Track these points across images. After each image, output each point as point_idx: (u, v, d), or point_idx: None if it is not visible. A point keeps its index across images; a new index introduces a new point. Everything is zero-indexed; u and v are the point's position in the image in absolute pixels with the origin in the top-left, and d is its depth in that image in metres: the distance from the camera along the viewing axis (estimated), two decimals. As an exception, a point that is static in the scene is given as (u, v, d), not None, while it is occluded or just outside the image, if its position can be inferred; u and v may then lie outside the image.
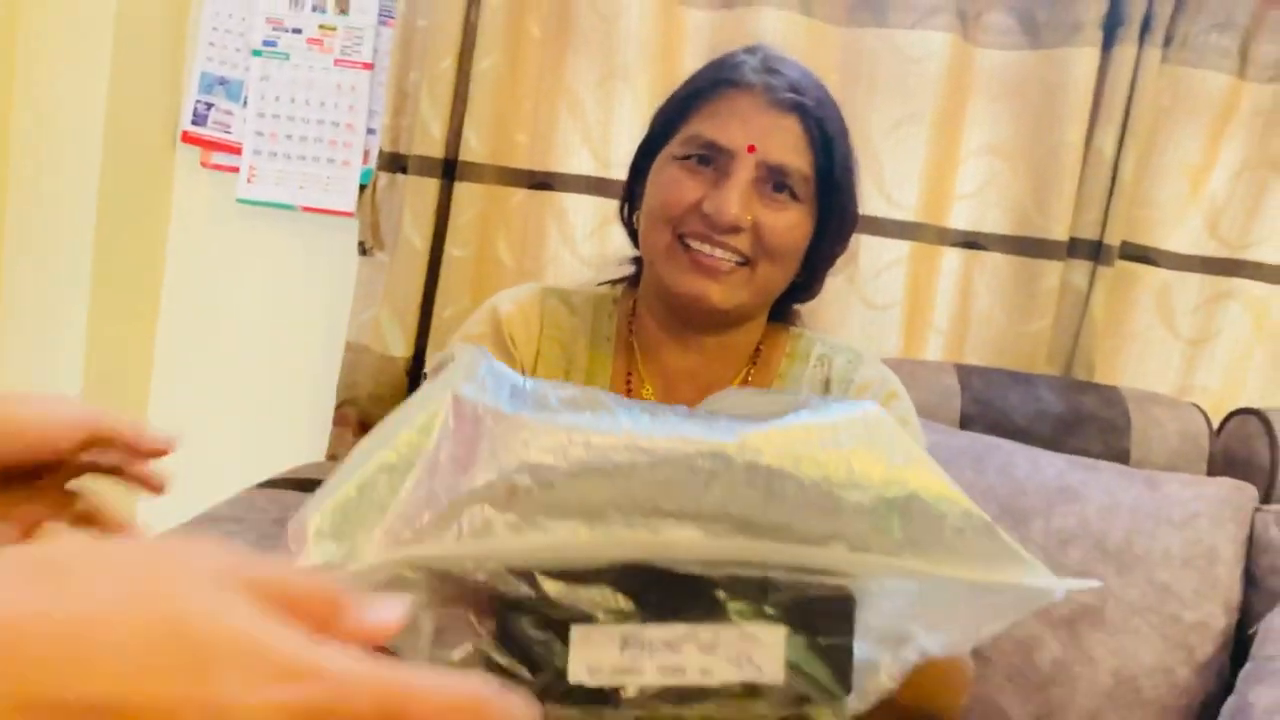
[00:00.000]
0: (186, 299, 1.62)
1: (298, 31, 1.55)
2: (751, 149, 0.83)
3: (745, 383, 0.94)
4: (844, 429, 0.44)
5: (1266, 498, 1.33)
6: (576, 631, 0.39)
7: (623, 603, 0.39)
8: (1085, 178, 1.49)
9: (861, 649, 0.42)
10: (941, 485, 0.46)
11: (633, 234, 0.97)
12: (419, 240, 1.50)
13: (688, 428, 0.43)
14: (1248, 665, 1.15)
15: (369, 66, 1.56)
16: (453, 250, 1.51)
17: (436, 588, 0.39)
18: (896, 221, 1.54)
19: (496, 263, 1.56)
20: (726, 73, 0.87)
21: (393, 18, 1.54)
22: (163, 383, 1.64)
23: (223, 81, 1.58)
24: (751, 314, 0.93)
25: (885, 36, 1.52)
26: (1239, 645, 1.21)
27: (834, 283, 1.54)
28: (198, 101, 1.58)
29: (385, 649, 0.36)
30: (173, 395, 1.64)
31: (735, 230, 0.83)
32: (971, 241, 1.57)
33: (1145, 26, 1.45)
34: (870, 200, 1.54)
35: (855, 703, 0.42)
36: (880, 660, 0.43)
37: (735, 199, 0.82)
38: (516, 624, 0.40)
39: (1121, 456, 1.37)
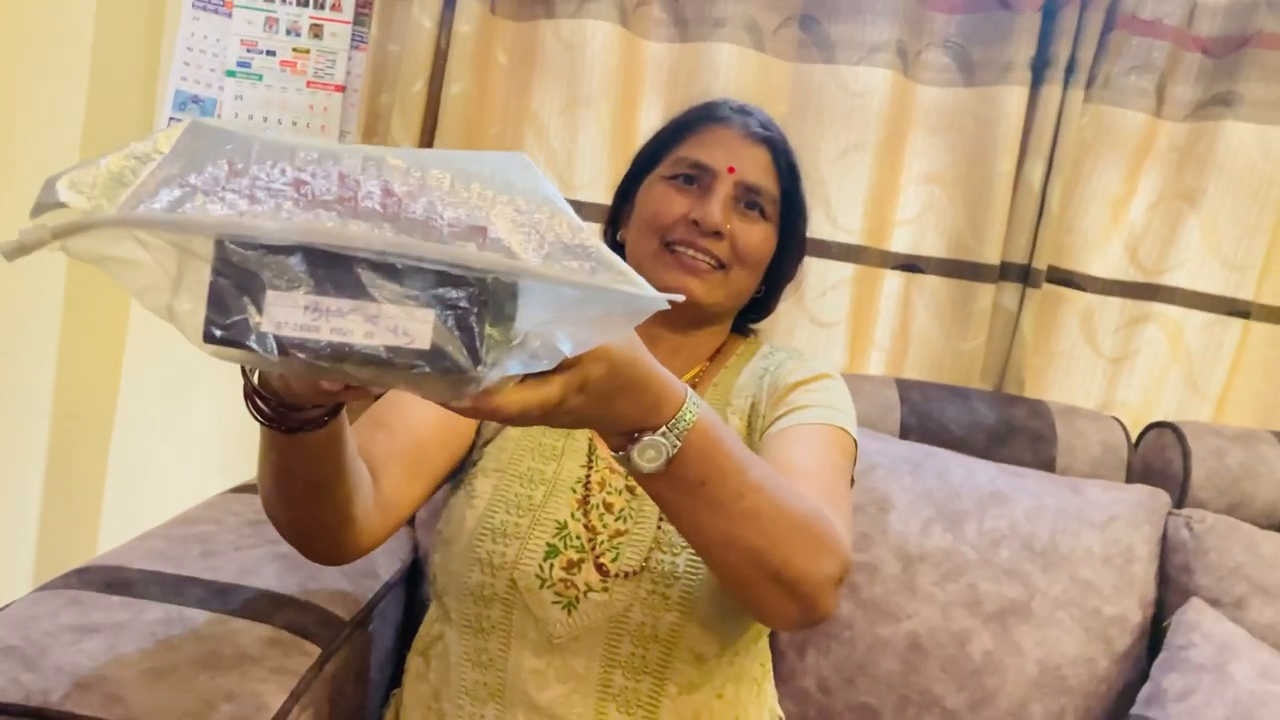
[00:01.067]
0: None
1: (271, 53, 1.61)
2: (731, 169, 0.99)
3: (699, 375, 1.03)
4: (483, 169, 0.54)
5: (1180, 503, 1.45)
6: (270, 294, 0.49)
7: (304, 277, 0.49)
8: (1015, 206, 1.60)
9: (507, 335, 0.52)
10: (564, 211, 0.54)
11: (612, 250, 1.07)
12: (388, 256, 1.55)
13: (357, 148, 0.53)
14: (1161, 655, 1.25)
15: (340, 89, 1.62)
16: (421, 266, 1.56)
17: (162, 245, 0.49)
18: (842, 244, 1.64)
19: (462, 279, 1.63)
20: (709, 111, 1.05)
21: (364, 42, 1.60)
22: (132, 394, 1.66)
23: (196, 100, 1.63)
24: (721, 316, 1.05)
25: (832, 72, 1.62)
26: (1154, 637, 1.31)
27: (783, 302, 1.64)
28: (171, 119, 1.62)
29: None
30: (142, 406, 1.67)
31: (718, 235, 0.97)
32: (911, 264, 1.67)
33: (1070, 68, 1.57)
34: (819, 224, 1.64)
35: (484, 379, 0.51)
36: (507, 356, 0.52)
37: (718, 208, 0.97)
38: (218, 287, 0.49)
39: (1048, 465, 1.47)
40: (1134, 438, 1.56)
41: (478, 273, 0.50)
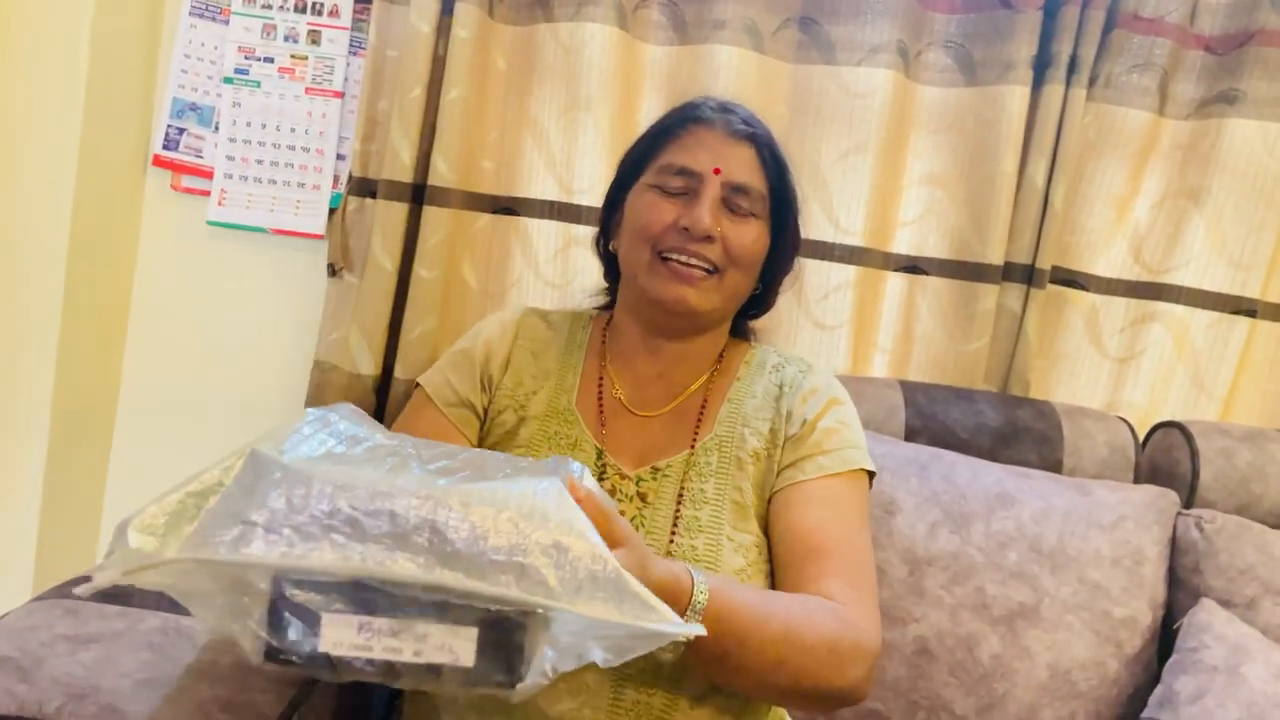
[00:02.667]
0: (157, 319, 1.65)
1: (269, 60, 1.60)
2: (717, 171, 0.98)
3: (708, 385, 1.02)
4: (523, 502, 0.61)
5: (1188, 503, 1.43)
6: (326, 617, 0.56)
7: (356, 603, 0.56)
8: (1018, 206, 1.59)
9: (544, 651, 0.58)
10: (586, 545, 0.60)
11: (605, 260, 1.08)
12: (388, 262, 1.55)
13: (410, 482, 0.60)
14: (1173, 657, 1.24)
15: (339, 95, 1.61)
16: (421, 271, 1.55)
17: (223, 577, 0.55)
18: (844, 246, 1.63)
19: (462, 284, 1.62)
20: (689, 112, 1.03)
21: (363, 48, 1.60)
22: (132, 403, 1.66)
23: (194, 107, 1.62)
24: (719, 320, 1.04)
25: (832, 73, 1.62)
26: (1164, 640, 1.30)
27: (785, 304, 1.63)
28: (169, 126, 1.61)
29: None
30: (143, 415, 1.66)
31: (709, 240, 0.96)
32: (914, 266, 1.66)
33: (1072, 67, 1.56)
34: (820, 226, 1.63)
35: (522, 689, 0.58)
36: (559, 664, 0.59)
37: (707, 212, 0.96)
38: (278, 613, 0.56)
39: (1055, 466, 1.46)
40: (1141, 438, 1.54)
41: (517, 605, 0.57)
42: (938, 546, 1.29)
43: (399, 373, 1.56)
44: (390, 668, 0.56)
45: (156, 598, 0.99)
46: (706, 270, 0.98)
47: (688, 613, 0.71)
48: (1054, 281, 1.65)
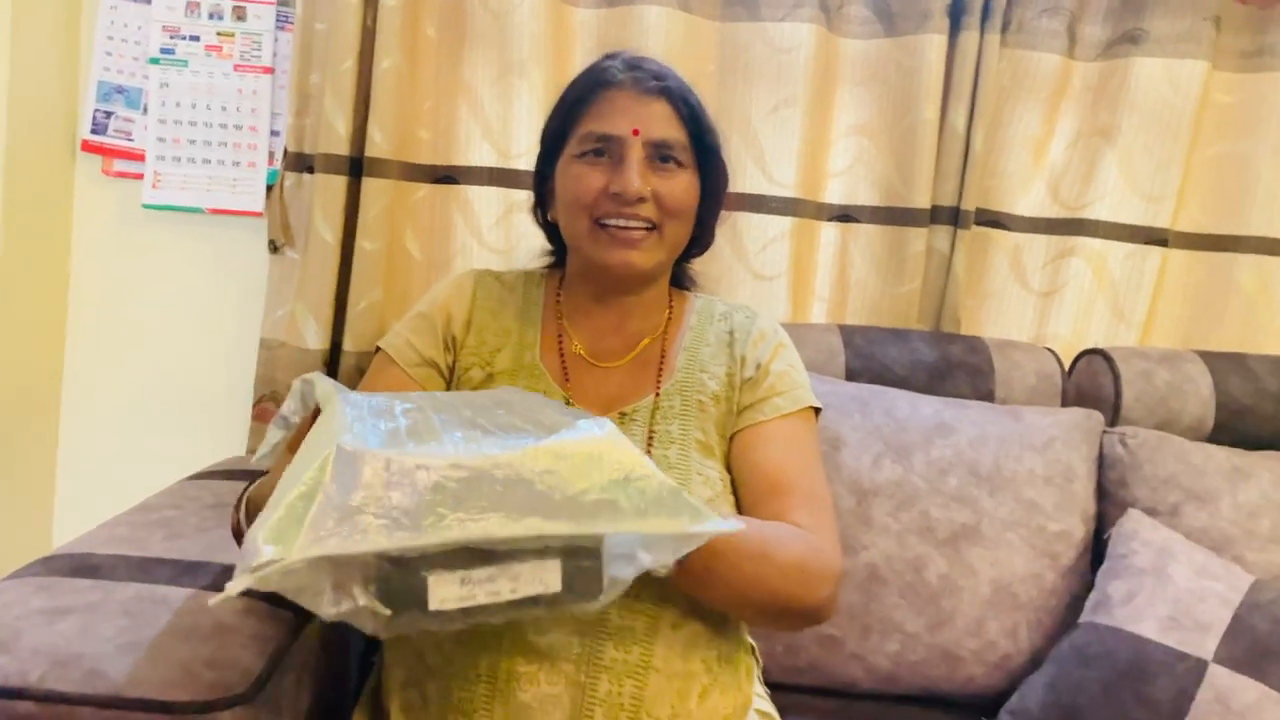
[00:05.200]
0: (96, 305, 1.63)
1: (195, 39, 1.59)
2: (636, 132, 1.00)
3: (664, 334, 1.06)
4: (588, 446, 0.69)
5: (1113, 423, 1.51)
6: (431, 576, 0.62)
7: (457, 562, 0.63)
8: (942, 151, 1.65)
9: (609, 566, 0.67)
10: (651, 474, 0.69)
11: (546, 229, 1.15)
12: (330, 235, 1.55)
13: (488, 446, 0.66)
14: (1105, 564, 1.32)
15: (269, 70, 1.60)
16: (363, 244, 1.56)
17: (333, 566, 0.61)
18: (779, 198, 1.68)
19: (406, 255, 1.63)
20: (598, 77, 1.04)
21: (290, 23, 1.59)
22: (77, 390, 1.64)
23: (121, 90, 1.60)
24: (659, 277, 1.08)
25: (757, 29, 1.65)
26: (1097, 550, 1.38)
27: (725, 257, 1.68)
28: (96, 110, 1.59)
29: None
30: (88, 401, 1.65)
31: (640, 200, 0.99)
32: (846, 214, 1.71)
33: (985, 14, 1.62)
34: (755, 180, 1.67)
35: (604, 599, 0.67)
36: (621, 574, 0.67)
37: (634, 175, 0.99)
38: (389, 583, 0.62)
39: (987, 397, 1.53)
40: (1067, 366, 1.62)
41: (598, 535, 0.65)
42: (882, 477, 1.35)
43: (348, 345, 1.57)
44: (491, 607, 0.63)
45: (127, 569, 1.00)
46: (646, 228, 1.01)
47: None
48: (978, 223, 1.72)
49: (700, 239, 1.12)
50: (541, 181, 1.11)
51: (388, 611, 0.62)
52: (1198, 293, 1.75)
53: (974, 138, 1.64)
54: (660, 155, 1.01)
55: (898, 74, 1.67)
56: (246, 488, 0.88)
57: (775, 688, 1.28)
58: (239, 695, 0.84)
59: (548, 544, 0.64)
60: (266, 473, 0.87)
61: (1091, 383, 1.57)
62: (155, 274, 1.64)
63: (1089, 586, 1.33)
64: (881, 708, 1.34)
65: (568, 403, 1.02)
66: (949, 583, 1.32)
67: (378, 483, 0.61)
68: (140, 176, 1.60)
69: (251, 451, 1.61)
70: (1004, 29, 1.65)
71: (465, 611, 0.63)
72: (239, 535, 0.86)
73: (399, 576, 0.61)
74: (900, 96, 1.67)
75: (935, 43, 1.62)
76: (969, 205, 1.66)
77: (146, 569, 1.00)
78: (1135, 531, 1.31)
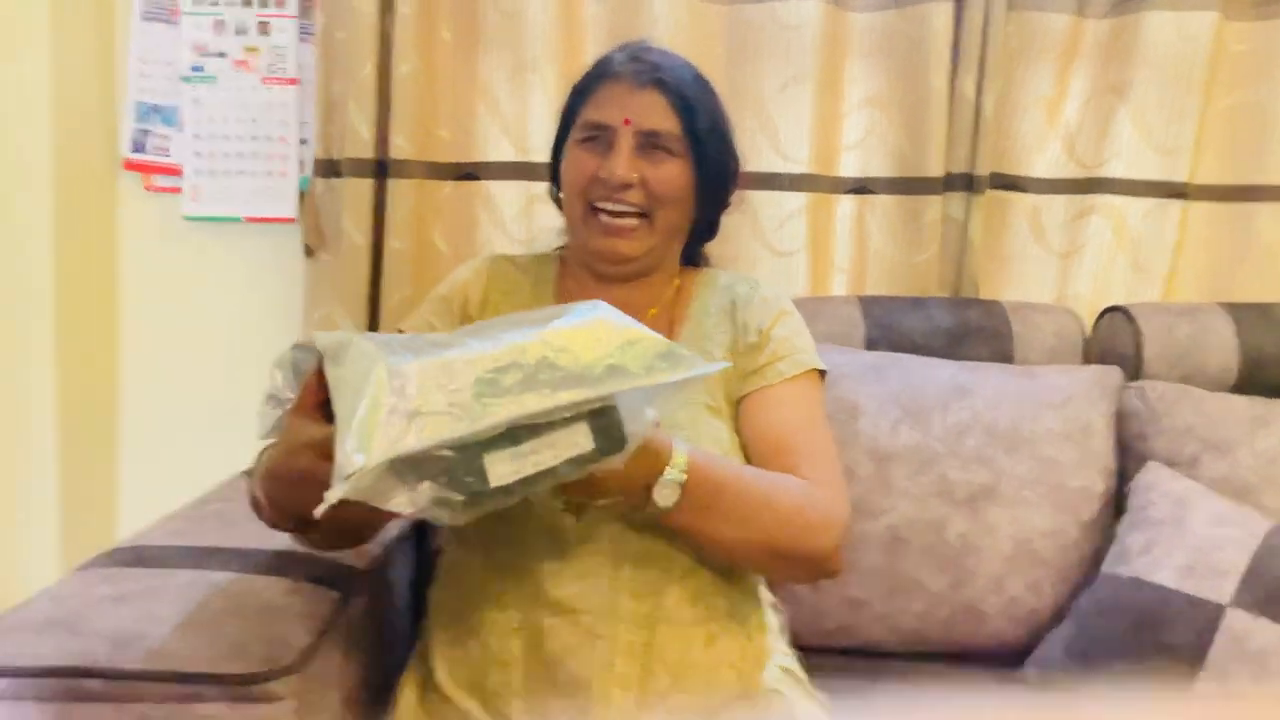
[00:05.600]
0: (145, 313, 1.73)
1: (223, 55, 1.67)
2: (627, 122, 1.05)
3: (672, 309, 1.13)
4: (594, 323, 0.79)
5: (1135, 379, 1.52)
6: (487, 457, 0.72)
7: (506, 440, 0.72)
8: (953, 118, 1.67)
9: (627, 423, 0.77)
10: (645, 336, 0.78)
11: (561, 206, 1.17)
12: (360, 237, 1.62)
13: (511, 336, 0.76)
14: (1124, 516, 1.34)
15: (295, 81, 1.67)
16: (392, 243, 1.63)
17: (407, 466, 0.70)
18: (792, 175, 1.71)
19: (434, 251, 1.69)
20: (601, 69, 1.10)
21: (312, 34, 1.66)
22: (133, 395, 1.74)
23: (157, 108, 1.68)
24: (660, 261, 1.12)
25: (764, 9, 1.68)
26: (1119, 504, 1.40)
27: (743, 235, 1.72)
28: (135, 129, 1.68)
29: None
30: (143, 405, 1.74)
31: (627, 186, 1.04)
32: (861, 186, 1.74)
33: (990, -22, 1.63)
34: (768, 158, 1.71)
35: (628, 449, 0.78)
36: (637, 427, 0.77)
37: (621, 162, 1.04)
38: (455, 471, 0.71)
39: (1006, 359, 1.55)
40: (1090, 325, 1.64)
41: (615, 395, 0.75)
42: (900, 442, 1.38)
43: (383, 341, 1.64)
44: (541, 475, 0.74)
45: (182, 558, 1.08)
46: (637, 216, 1.06)
47: (673, 463, 0.87)
48: (994, 187, 1.73)
49: (706, 226, 1.16)
50: (555, 166, 1.17)
51: (460, 497, 0.71)
52: (1220, 245, 1.75)
53: (984, 103, 1.66)
54: (651, 144, 1.05)
55: (906, 44, 1.68)
56: (256, 462, 0.93)
57: (805, 650, 1.33)
58: (287, 667, 0.91)
59: (575, 411, 0.73)
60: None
61: (1113, 340, 1.58)
62: (199, 281, 1.72)
63: (1113, 540, 1.35)
64: (910, 666, 1.37)
65: None
66: (969, 542, 1.35)
67: (428, 386, 0.70)
68: (180, 190, 1.68)
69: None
70: (1010, -8, 1.66)
71: (522, 482, 0.73)
72: (258, 508, 0.91)
73: (461, 465, 0.71)
74: (909, 66, 1.68)
75: (941, 10, 1.64)
76: (982, 171, 1.67)
77: (200, 557, 1.08)
78: (1154, 483, 1.33)
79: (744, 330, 1.10)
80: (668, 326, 1.11)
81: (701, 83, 1.11)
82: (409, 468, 0.69)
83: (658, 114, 1.06)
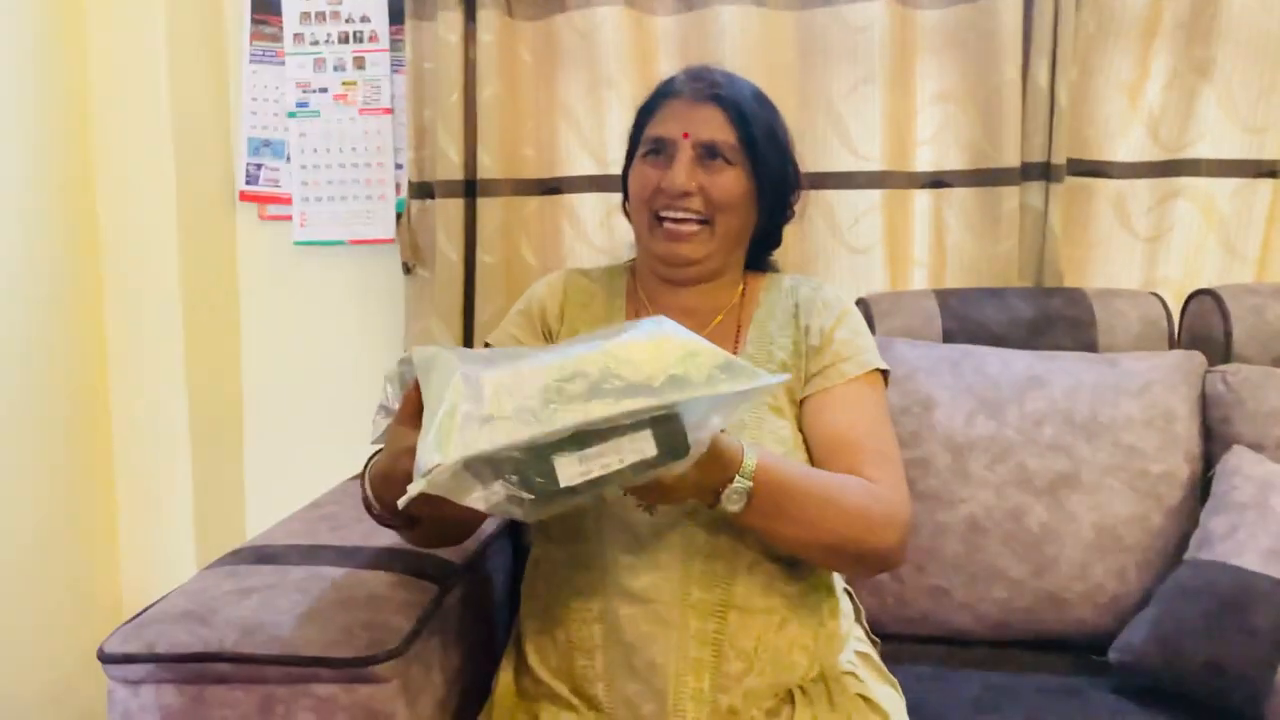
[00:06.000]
0: (262, 332, 1.88)
1: (324, 90, 1.79)
2: (686, 135, 1.12)
3: (739, 312, 1.20)
4: (656, 337, 0.84)
5: (1227, 362, 1.50)
6: (555, 459, 0.78)
7: (573, 444, 0.78)
8: (1026, 108, 1.67)
9: (690, 431, 0.81)
10: (705, 348, 0.83)
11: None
12: (454, 253, 1.73)
13: (579, 349, 0.81)
14: (1209, 501, 1.33)
15: (389, 111, 1.79)
16: (484, 258, 1.73)
17: (482, 464, 0.76)
18: (866, 173, 1.73)
19: (523, 264, 1.79)
20: (664, 89, 1.19)
21: (403, 66, 1.77)
22: (254, 405, 1.89)
23: (267, 143, 1.82)
24: (723, 266, 1.19)
25: (832, 13, 1.72)
26: (1206, 490, 1.38)
27: (819, 234, 1.75)
28: (249, 164, 1.82)
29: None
30: (265, 413, 1.89)
31: (687, 195, 1.12)
32: (937, 180, 1.75)
33: (1061, -35, 1.63)
34: (840, 156, 1.74)
35: (691, 456, 0.82)
36: (700, 435, 0.82)
37: (681, 172, 1.11)
38: (525, 471, 0.77)
39: (1090, 347, 1.55)
40: (1179, 310, 1.61)
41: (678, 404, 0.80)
42: (976, 432, 1.40)
43: (479, 350, 1.74)
44: (606, 478, 0.79)
45: (299, 555, 1.19)
46: (698, 222, 1.12)
47: (742, 470, 0.91)
48: (1076, 174, 1.72)
49: (769, 233, 1.22)
50: (625, 181, 1.24)
51: (530, 496, 0.77)
52: (1316, 222, 1.70)
53: (1059, 91, 1.65)
54: (709, 154, 1.12)
55: (976, 37, 1.69)
56: (366, 465, 1.02)
57: (890, 638, 1.37)
58: (392, 650, 1.00)
59: (639, 418, 0.78)
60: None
61: (1202, 324, 1.56)
62: (309, 301, 1.86)
63: (1197, 525, 1.34)
64: (996, 652, 1.39)
65: None
66: (1050, 529, 1.36)
67: (500, 394, 0.77)
68: (290, 218, 1.82)
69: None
70: (1082, -22, 1.65)
71: (590, 484, 0.78)
72: (369, 506, 1.01)
73: (532, 465, 0.77)
74: (981, 59, 1.69)
75: (1011, 3, 1.65)
76: (1059, 159, 1.67)
77: (314, 554, 1.18)
78: (1238, 467, 1.31)
79: (807, 333, 1.15)
80: (733, 330, 1.17)
81: (760, 98, 1.17)
82: (483, 467, 0.76)
83: (715, 126, 1.12)
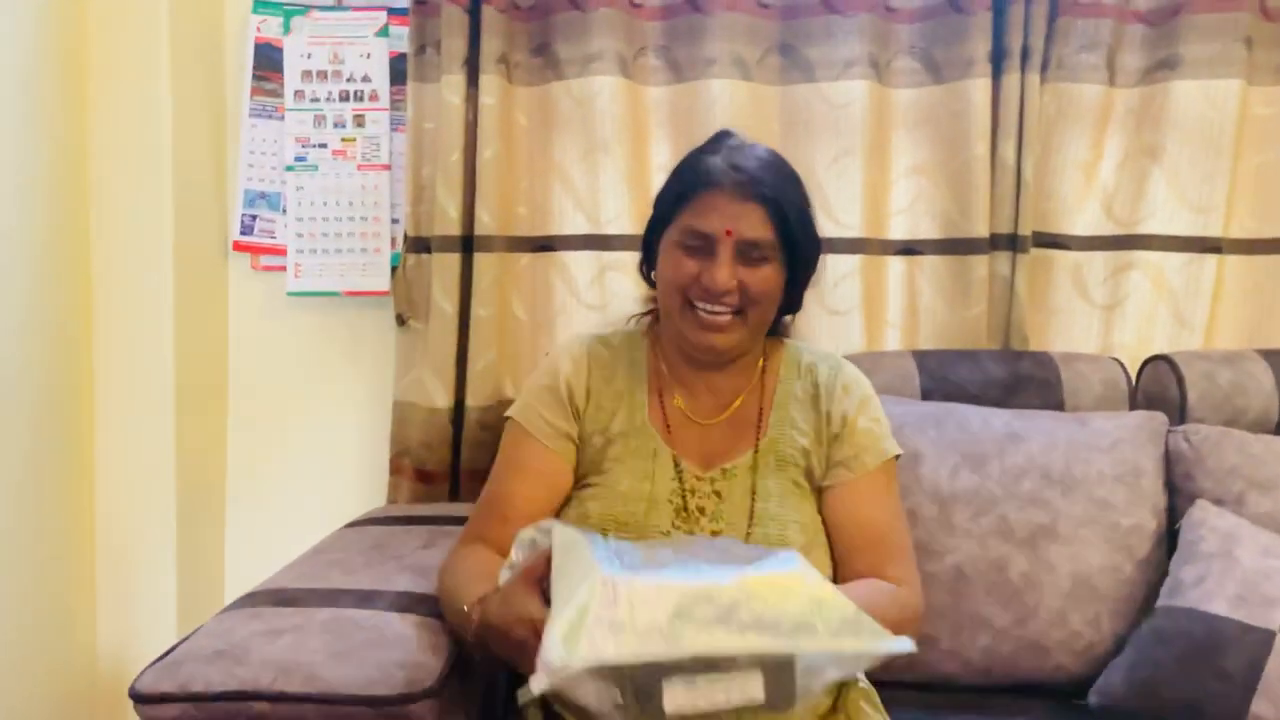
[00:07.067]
0: (252, 381, 1.88)
1: (323, 146, 1.83)
2: (729, 233, 1.13)
3: (760, 392, 1.25)
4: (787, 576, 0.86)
5: (1181, 423, 1.61)
6: (666, 683, 0.78)
7: (686, 670, 0.79)
8: (995, 183, 1.79)
9: (801, 677, 0.81)
10: (834, 598, 0.85)
11: (650, 283, 1.30)
12: (449, 306, 1.77)
13: (714, 573, 0.83)
14: (1177, 552, 1.42)
15: (387, 167, 1.84)
16: (478, 311, 1.77)
17: (601, 670, 0.78)
18: (845, 239, 1.83)
19: (514, 318, 1.83)
20: (703, 176, 1.16)
21: (402, 124, 1.82)
22: (238, 456, 1.89)
23: (263, 195, 1.85)
24: (750, 348, 1.25)
25: (814, 90, 1.83)
26: (1171, 541, 1.48)
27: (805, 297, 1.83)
28: (244, 214, 1.85)
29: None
30: (249, 466, 1.89)
31: (727, 293, 1.15)
32: (910, 248, 1.86)
33: (1025, 55, 1.76)
34: (822, 224, 1.79)
35: (796, 707, 0.82)
36: (811, 685, 0.83)
37: (724, 272, 1.13)
38: (637, 686, 0.78)
39: (1058, 407, 1.65)
40: (1134, 374, 1.73)
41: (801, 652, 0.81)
42: (960, 485, 1.48)
43: (470, 402, 1.78)
44: (709, 710, 0.79)
45: (318, 598, 1.20)
46: (730, 313, 1.15)
47: None
48: (1038, 245, 1.84)
49: (791, 303, 1.27)
50: (649, 247, 1.25)
51: (635, 710, 0.79)
52: (1256, 295, 1.84)
53: (1024, 167, 1.78)
54: (749, 248, 1.14)
55: (948, 117, 1.81)
56: (483, 599, 1.02)
57: (879, 685, 1.42)
58: (430, 689, 1.02)
59: (756, 658, 0.79)
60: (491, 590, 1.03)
61: (1157, 387, 1.68)
62: (301, 351, 1.88)
63: (1165, 575, 1.43)
64: (980, 698, 1.45)
65: (675, 459, 1.20)
66: (1030, 579, 1.44)
67: (635, 602, 0.79)
68: (283, 269, 1.84)
69: (393, 501, 1.82)
70: (1044, 68, 1.79)
71: (693, 715, 0.79)
72: (454, 614, 1.06)
73: (645, 683, 0.79)
74: (952, 136, 1.81)
75: (980, 86, 1.77)
76: (1025, 230, 1.79)
77: (333, 598, 1.20)
78: (1203, 520, 1.41)
79: (828, 420, 1.22)
80: (755, 413, 1.23)
81: (791, 181, 1.20)
82: (602, 671, 0.78)
83: (757, 225, 1.14)
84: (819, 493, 1.19)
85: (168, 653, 1.07)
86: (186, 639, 1.10)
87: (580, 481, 1.22)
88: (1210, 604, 1.30)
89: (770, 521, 1.13)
